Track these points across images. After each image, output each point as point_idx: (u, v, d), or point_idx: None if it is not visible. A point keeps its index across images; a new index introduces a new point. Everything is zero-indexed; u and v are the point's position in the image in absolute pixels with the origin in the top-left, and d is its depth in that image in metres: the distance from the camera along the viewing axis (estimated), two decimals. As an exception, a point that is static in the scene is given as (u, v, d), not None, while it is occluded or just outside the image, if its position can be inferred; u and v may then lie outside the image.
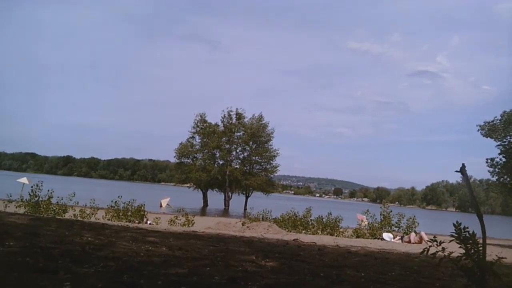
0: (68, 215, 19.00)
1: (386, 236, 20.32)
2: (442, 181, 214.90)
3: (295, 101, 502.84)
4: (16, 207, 18.85)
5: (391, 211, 23.51)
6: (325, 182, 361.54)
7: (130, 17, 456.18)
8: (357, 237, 21.00)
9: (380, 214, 23.43)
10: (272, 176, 72.90)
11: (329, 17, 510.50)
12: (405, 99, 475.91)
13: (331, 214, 24.34)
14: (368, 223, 23.82)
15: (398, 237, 20.12)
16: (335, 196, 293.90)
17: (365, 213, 24.79)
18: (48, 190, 19.82)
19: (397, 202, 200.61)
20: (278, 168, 70.74)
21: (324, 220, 23.85)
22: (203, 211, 55.49)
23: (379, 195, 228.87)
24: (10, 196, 20.33)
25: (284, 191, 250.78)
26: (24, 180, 40.46)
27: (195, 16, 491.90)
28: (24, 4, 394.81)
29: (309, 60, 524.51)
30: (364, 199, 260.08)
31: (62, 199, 20.66)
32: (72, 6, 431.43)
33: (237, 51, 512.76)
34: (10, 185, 38.52)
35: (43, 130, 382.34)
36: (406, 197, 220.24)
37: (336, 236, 20.75)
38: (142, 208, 21.37)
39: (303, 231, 21.56)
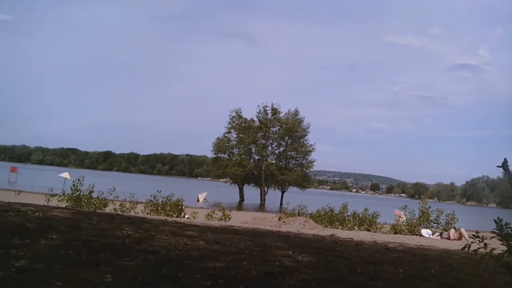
0: (109, 209, 19.40)
1: (425, 232, 19.97)
2: (483, 176, 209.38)
3: (331, 96, 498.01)
4: (58, 201, 19.35)
5: (430, 207, 23.06)
6: (362, 178, 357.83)
7: (167, 15, 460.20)
8: (395, 233, 20.71)
9: (419, 210, 23.06)
10: (308, 171, 72.72)
11: (366, 11, 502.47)
12: (444, 93, 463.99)
13: (368, 209, 24.11)
14: (406, 219, 23.47)
15: (437, 234, 19.74)
16: (372, 192, 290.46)
17: (403, 208, 24.42)
18: (90, 185, 20.33)
19: (435, 198, 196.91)
20: (314, 163, 70.60)
21: (360, 215, 23.63)
22: (239, 206, 55.80)
23: (417, 191, 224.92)
24: (52, 190, 20.97)
25: (320, 186, 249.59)
26: (65, 175, 41.70)
27: (231, 12, 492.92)
28: (65, 4, 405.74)
29: (346, 54, 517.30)
30: (401, 194, 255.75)
31: (102, 194, 21.10)
32: (111, 5, 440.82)
33: (273, 46, 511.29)
34: (53, 179, 39.77)
35: (84, 126, 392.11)
36: (445, 192, 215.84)
37: (373, 232, 20.50)
38: (180, 202, 21.68)
39: (340, 227, 21.41)
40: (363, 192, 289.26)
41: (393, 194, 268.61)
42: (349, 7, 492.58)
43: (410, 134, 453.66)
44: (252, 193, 69.62)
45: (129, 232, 8.29)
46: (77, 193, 19.87)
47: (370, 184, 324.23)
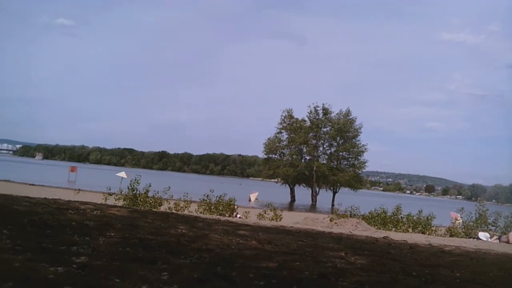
0: (164, 207, 19.75)
1: (483, 235, 19.30)
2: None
3: (384, 96, 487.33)
4: (116, 200, 19.88)
5: (487, 209, 22.33)
6: (416, 179, 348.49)
7: (217, 17, 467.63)
8: (451, 236, 20.13)
9: (476, 212, 22.34)
10: (360, 172, 71.53)
11: (420, 7, 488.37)
12: (503, 92, 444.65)
13: (422, 211, 23.54)
14: (462, 222, 22.80)
15: (495, 237, 19.03)
16: (426, 193, 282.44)
17: (459, 211, 23.73)
18: (146, 184, 20.84)
19: (494, 200, 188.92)
20: (366, 164, 69.29)
21: (415, 217, 23.11)
22: (291, 206, 55.66)
23: (474, 193, 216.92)
24: (110, 189, 21.64)
25: (372, 188, 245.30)
26: (122, 174, 42.81)
27: (282, 13, 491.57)
28: (121, 8, 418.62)
29: (399, 52, 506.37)
30: (458, 196, 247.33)
31: (157, 193, 21.53)
32: (163, 8, 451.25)
33: (324, 46, 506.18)
34: (110, 179, 41.02)
35: (140, 127, 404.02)
36: (504, 194, 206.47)
37: (428, 234, 20.00)
38: (233, 202, 21.87)
39: (393, 229, 20.97)
40: (417, 193, 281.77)
41: (448, 196, 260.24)
42: (401, 4, 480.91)
43: (465, 134, 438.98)
44: (303, 193, 69.31)
45: (183, 231, 8.45)
46: (134, 192, 20.40)
47: (424, 186, 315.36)
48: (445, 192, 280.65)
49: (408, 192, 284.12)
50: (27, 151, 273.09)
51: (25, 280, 3.67)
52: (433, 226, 22.46)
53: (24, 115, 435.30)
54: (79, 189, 28.81)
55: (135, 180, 20.85)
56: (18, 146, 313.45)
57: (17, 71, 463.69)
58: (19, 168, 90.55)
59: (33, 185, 40.99)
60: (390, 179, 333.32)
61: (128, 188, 20.74)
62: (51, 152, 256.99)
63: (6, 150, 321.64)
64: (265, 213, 22.00)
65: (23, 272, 3.88)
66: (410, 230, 21.39)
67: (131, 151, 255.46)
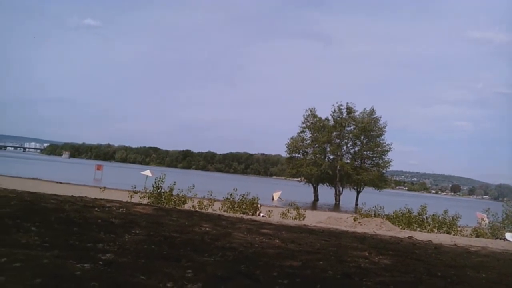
0: (188, 206, 19.91)
1: (510, 236, 18.93)
2: None
3: (409, 95, 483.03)
4: (141, 198, 20.13)
5: (514, 209, 21.93)
6: (442, 179, 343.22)
7: (243, 17, 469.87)
8: (477, 236, 19.82)
9: (503, 213, 21.95)
10: (384, 171, 70.92)
11: (447, 5, 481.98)
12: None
13: (448, 211, 23.24)
14: (489, 222, 22.45)
15: (523, 238, 18.68)
16: (452, 193, 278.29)
17: (486, 211, 23.35)
18: (171, 183, 21.04)
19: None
20: (390, 163, 68.73)
21: (440, 218, 22.83)
22: (314, 205, 55.49)
23: (501, 193, 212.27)
24: (135, 187, 21.92)
25: (397, 187, 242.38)
26: (147, 172, 43.16)
27: (307, 12, 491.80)
28: (148, 9, 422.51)
29: (425, 51, 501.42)
30: (484, 196, 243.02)
31: (182, 191, 21.72)
32: (190, 9, 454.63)
33: (350, 45, 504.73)
34: (135, 177, 41.48)
35: (165, 126, 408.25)
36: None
37: (454, 235, 19.73)
38: (256, 201, 21.92)
39: (418, 229, 20.75)
40: (442, 193, 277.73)
41: (475, 196, 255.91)
42: (428, 1, 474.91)
43: (493, 133, 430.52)
44: (326, 192, 69.00)
45: (207, 229, 8.50)
46: (158, 190, 20.61)
47: (450, 186, 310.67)
48: (471, 192, 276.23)
49: (434, 192, 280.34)
50: (54, 149, 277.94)
51: (53, 276, 3.74)
52: (459, 227, 22.19)
53: (52, 114, 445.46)
54: (105, 187, 29.11)
55: (160, 178, 21.08)
56: (45, 144, 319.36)
57: (46, 72, 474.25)
58: (46, 166, 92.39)
59: (60, 183, 41.77)
60: (415, 179, 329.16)
61: (153, 186, 20.98)
62: (78, 151, 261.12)
63: (34, 148, 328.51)
64: (288, 212, 21.99)
65: (51, 269, 3.96)
66: (435, 230, 21.16)
67: (156, 149, 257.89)
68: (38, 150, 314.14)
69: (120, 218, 8.41)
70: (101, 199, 13.06)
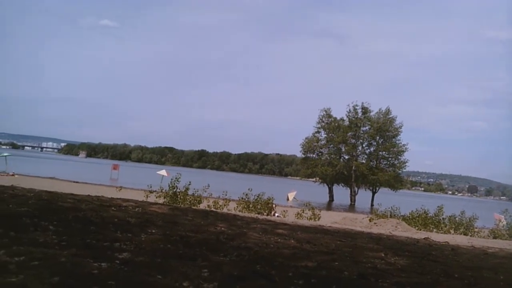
0: (203, 205, 19.95)
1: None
2: None
3: (425, 95, 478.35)
4: (156, 197, 20.24)
5: (533, 210, 21.64)
6: (458, 179, 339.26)
7: (260, 17, 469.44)
8: (494, 237, 19.59)
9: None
10: (400, 171, 70.35)
11: (463, 5, 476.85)
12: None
13: (464, 212, 23.02)
14: (506, 223, 22.17)
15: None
16: (469, 194, 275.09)
17: (503, 212, 23.06)
18: (187, 183, 21.13)
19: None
20: (406, 163, 68.08)
21: (457, 219, 22.61)
22: (329, 206, 55.28)
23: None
24: (151, 187, 22.04)
25: (413, 188, 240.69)
26: (163, 172, 43.33)
27: (325, 12, 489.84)
28: (164, 10, 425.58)
29: (441, 51, 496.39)
30: (502, 197, 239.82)
31: (197, 191, 21.78)
32: (206, 9, 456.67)
33: (366, 44, 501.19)
34: (151, 177, 41.74)
35: (180, 126, 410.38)
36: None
37: (471, 236, 19.52)
38: (271, 201, 21.91)
39: (434, 230, 20.56)
40: (459, 194, 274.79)
41: (492, 197, 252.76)
42: (444, 1, 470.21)
43: (511, 133, 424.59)
44: (341, 193, 68.71)
45: (222, 229, 8.52)
46: (174, 190, 20.71)
47: (467, 186, 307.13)
48: (488, 193, 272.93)
49: (450, 192, 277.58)
50: (71, 149, 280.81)
51: (71, 275, 3.78)
52: (476, 228, 21.95)
53: (69, 114, 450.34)
54: (121, 187, 29.39)
55: (175, 178, 21.18)
56: (62, 144, 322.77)
57: (63, 72, 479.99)
58: (63, 166, 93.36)
59: (77, 182, 42.21)
60: (431, 180, 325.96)
61: (168, 186, 21.09)
62: (94, 150, 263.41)
63: (51, 148, 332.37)
64: (303, 212, 21.92)
65: (68, 267, 4.01)
66: (452, 231, 20.95)
67: (171, 149, 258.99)
68: (55, 150, 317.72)
69: (136, 217, 8.47)
70: (117, 198, 13.17)
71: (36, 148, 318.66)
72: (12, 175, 40.90)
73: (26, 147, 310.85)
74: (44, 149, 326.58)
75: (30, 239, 5.05)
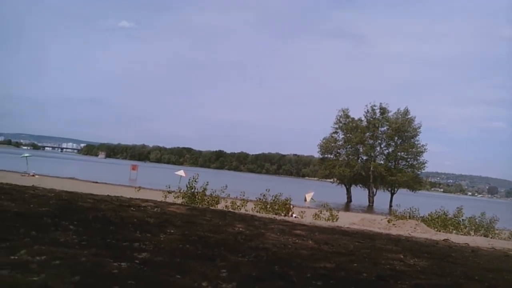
0: (221, 206, 20.00)
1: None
2: None
3: (444, 95, 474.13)
4: (175, 198, 20.34)
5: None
6: (478, 180, 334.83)
7: (275, 17, 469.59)
8: (516, 239, 19.31)
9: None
10: (419, 172, 69.58)
11: (480, 3, 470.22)
12: None
13: (485, 214, 22.72)
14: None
15: None
16: (489, 195, 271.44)
17: (525, 213, 22.74)
18: (205, 183, 21.21)
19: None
20: (425, 164, 67.26)
21: (477, 220, 22.33)
22: (347, 207, 54.98)
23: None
24: (169, 187, 22.16)
25: (432, 189, 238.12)
26: (181, 172, 43.62)
27: (339, 12, 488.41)
28: (179, 10, 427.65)
29: (459, 50, 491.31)
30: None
31: (215, 191, 21.84)
32: (224, 9, 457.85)
33: (382, 44, 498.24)
34: (169, 177, 42.01)
35: (198, 126, 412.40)
36: None
37: (491, 237, 19.26)
38: (288, 201, 21.87)
39: (454, 232, 20.34)
40: (479, 195, 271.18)
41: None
42: (461, 0, 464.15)
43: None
44: (359, 194, 68.29)
45: (240, 229, 8.54)
46: (192, 190, 20.80)
47: (487, 187, 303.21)
48: (509, 194, 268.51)
49: (470, 193, 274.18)
50: (90, 150, 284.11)
51: (92, 274, 3.83)
52: (496, 229, 21.65)
53: (88, 115, 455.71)
54: (140, 187, 29.59)
55: (193, 178, 21.27)
56: (82, 145, 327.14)
57: (83, 73, 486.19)
58: (83, 166, 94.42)
59: (96, 182, 42.61)
60: (451, 180, 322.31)
61: (186, 186, 21.19)
62: (113, 151, 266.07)
63: (71, 149, 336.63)
64: (321, 213, 21.85)
65: (89, 267, 4.06)
66: (472, 233, 20.70)
67: (189, 150, 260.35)
68: (75, 151, 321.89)
69: (155, 217, 8.54)
70: (136, 198, 13.29)
71: (56, 149, 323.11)
72: (33, 175, 41.48)
73: (46, 148, 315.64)
74: (64, 149, 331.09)
75: (51, 239, 5.12)
